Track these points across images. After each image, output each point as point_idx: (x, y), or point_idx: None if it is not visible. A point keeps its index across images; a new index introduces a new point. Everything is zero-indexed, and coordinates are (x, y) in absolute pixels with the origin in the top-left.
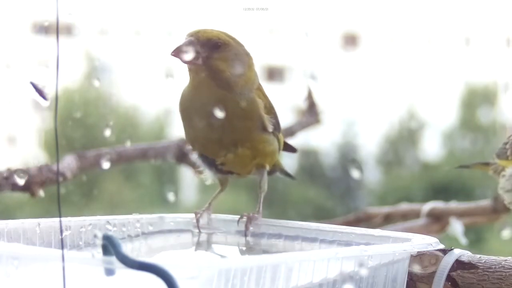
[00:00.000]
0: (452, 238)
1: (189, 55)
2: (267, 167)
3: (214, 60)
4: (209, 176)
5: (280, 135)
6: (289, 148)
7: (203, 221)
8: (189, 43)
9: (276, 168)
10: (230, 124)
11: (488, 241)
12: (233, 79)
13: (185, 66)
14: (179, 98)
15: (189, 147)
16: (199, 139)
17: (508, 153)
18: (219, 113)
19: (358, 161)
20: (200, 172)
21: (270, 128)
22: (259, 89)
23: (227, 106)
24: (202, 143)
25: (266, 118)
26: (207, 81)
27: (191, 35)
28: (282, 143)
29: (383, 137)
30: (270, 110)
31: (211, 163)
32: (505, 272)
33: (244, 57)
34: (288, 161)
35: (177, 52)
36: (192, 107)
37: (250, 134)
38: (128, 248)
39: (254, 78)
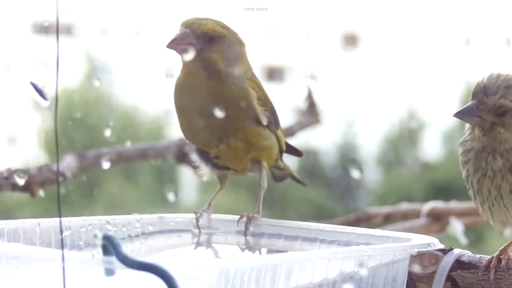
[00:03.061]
0: (452, 238)
1: (184, 48)
2: (265, 164)
3: (208, 52)
4: (206, 172)
5: (280, 133)
6: (294, 152)
7: (203, 221)
8: (184, 36)
9: (286, 172)
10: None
11: (488, 241)
12: (226, 70)
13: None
14: (173, 88)
15: (185, 140)
16: (191, 127)
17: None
18: (209, 101)
19: (358, 161)
20: (197, 167)
21: (264, 120)
22: (254, 81)
23: (217, 94)
24: (193, 131)
25: (260, 110)
26: (200, 71)
27: (186, 25)
28: (283, 142)
29: (383, 137)
30: (265, 103)
31: (207, 157)
32: (505, 272)
33: (237, 48)
34: (288, 161)
35: (173, 45)
36: (183, 94)
37: (241, 124)
38: (128, 248)
39: (247, 67)
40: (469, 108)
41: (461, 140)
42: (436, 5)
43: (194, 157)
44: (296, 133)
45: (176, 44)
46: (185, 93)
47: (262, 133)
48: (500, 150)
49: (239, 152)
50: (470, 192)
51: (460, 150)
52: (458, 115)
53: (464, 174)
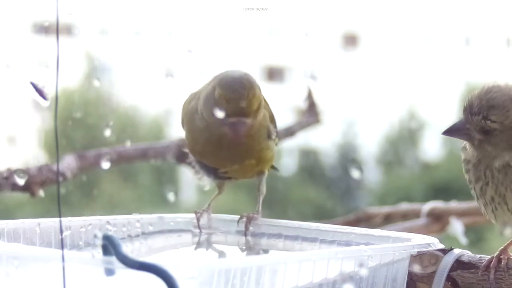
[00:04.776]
0: (452, 238)
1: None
2: (266, 172)
3: (253, 123)
4: (206, 182)
5: (276, 139)
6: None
7: (203, 221)
8: (245, 126)
9: None
10: (241, 144)
11: (488, 241)
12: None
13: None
14: (186, 107)
15: (188, 152)
16: (206, 154)
17: None
18: (233, 147)
19: (358, 161)
20: (197, 175)
21: (273, 135)
22: (264, 100)
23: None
24: (208, 157)
25: (271, 128)
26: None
27: (240, 115)
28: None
29: (383, 137)
30: (272, 117)
31: (211, 170)
32: (505, 272)
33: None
34: (289, 161)
35: (236, 137)
36: (203, 133)
37: (258, 146)
38: (128, 248)
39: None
40: (458, 126)
41: (462, 145)
42: (436, 5)
43: (195, 167)
44: (296, 133)
45: (241, 131)
46: (205, 133)
47: (270, 147)
48: (495, 166)
49: (249, 168)
50: (473, 192)
51: (462, 156)
52: (448, 133)
53: (466, 178)
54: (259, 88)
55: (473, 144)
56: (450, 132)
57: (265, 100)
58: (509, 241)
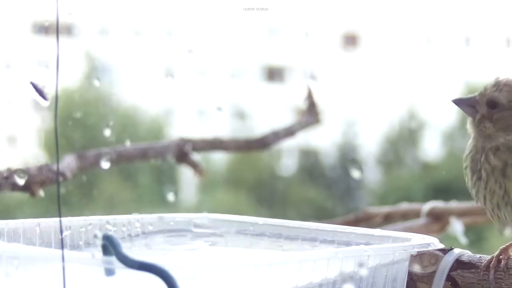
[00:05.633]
0: (452, 238)
1: None
2: None
3: None
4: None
5: None
6: None
7: (202, 221)
8: None
9: None
10: None
11: (488, 241)
12: None
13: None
14: None
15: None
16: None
17: None
18: None
19: (358, 161)
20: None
21: None
22: None
23: None
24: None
25: None
26: None
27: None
28: None
29: (383, 137)
30: None
31: None
32: (504, 272)
33: None
34: (289, 161)
35: None
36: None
37: None
38: (128, 248)
39: None
40: (469, 98)
41: (465, 153)
42: (436, 5)
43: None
44: (296, 133)
45: None
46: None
47: None
48: (490, 148)
49: None
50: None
51: (464, 163)
52: (457, 100)
53: (466, 180)
54: None
55: (474, 118)
56: (459, 101)
57: None
58: (510, 242)
